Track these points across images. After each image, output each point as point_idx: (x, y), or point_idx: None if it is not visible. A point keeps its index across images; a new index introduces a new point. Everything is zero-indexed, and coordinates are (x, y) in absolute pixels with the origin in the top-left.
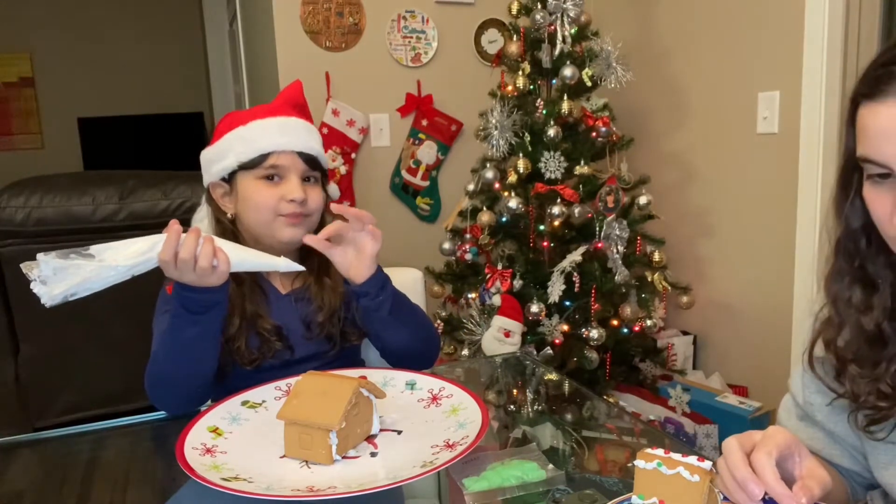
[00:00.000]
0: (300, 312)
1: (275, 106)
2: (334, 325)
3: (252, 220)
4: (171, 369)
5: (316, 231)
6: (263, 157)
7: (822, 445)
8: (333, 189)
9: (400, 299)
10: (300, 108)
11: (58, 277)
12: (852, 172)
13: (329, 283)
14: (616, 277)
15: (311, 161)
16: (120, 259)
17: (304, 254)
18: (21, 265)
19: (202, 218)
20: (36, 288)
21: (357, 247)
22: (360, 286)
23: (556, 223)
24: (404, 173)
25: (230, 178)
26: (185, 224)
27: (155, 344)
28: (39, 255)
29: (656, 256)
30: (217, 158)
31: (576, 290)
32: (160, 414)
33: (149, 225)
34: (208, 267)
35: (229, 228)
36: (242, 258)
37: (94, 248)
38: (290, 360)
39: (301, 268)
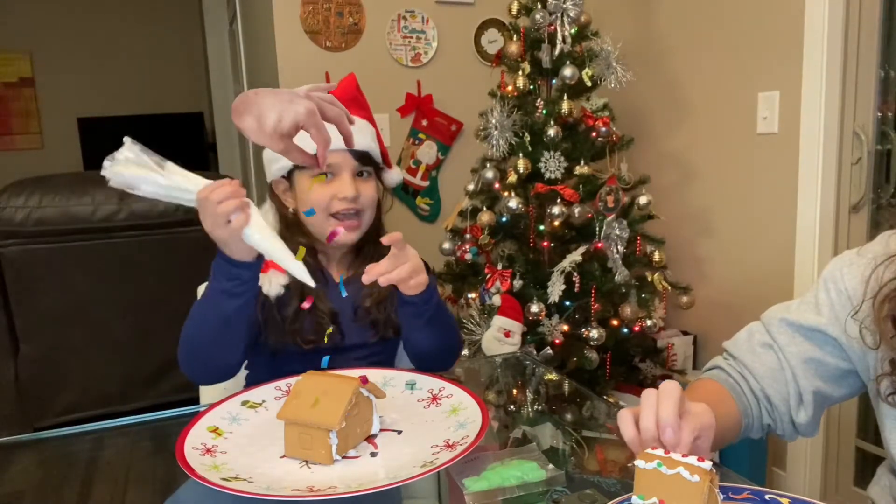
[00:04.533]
0: (351, 298)
1: None
2: (381, 313)
3: (307, 219)
4: (195, 335)
5: (371, 229)
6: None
7: (767, 370)
8: (396, 173)
9: (440, 311)
10: (354, 102)
11: (127, 165)
12: None
13: None
14: (616, 277)
15: (363, 157)
16: (176, 181)
17: (360, 242)
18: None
19: (266, 211)
20: (105, 163)
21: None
22: (406, 296)
23: (556, 223)
24: (404, 173)
25: (289, 176)
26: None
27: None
28: (127, 139)
29: (656, 256)
30: (275, 158)
31: (576, 290)
32: (160, 414)
33: (149, 225)
34: (223, 214)
35: (293, 222)
36: (264, 241)
37: (168, 164)
38: (338, 346)
39: (311, 282)
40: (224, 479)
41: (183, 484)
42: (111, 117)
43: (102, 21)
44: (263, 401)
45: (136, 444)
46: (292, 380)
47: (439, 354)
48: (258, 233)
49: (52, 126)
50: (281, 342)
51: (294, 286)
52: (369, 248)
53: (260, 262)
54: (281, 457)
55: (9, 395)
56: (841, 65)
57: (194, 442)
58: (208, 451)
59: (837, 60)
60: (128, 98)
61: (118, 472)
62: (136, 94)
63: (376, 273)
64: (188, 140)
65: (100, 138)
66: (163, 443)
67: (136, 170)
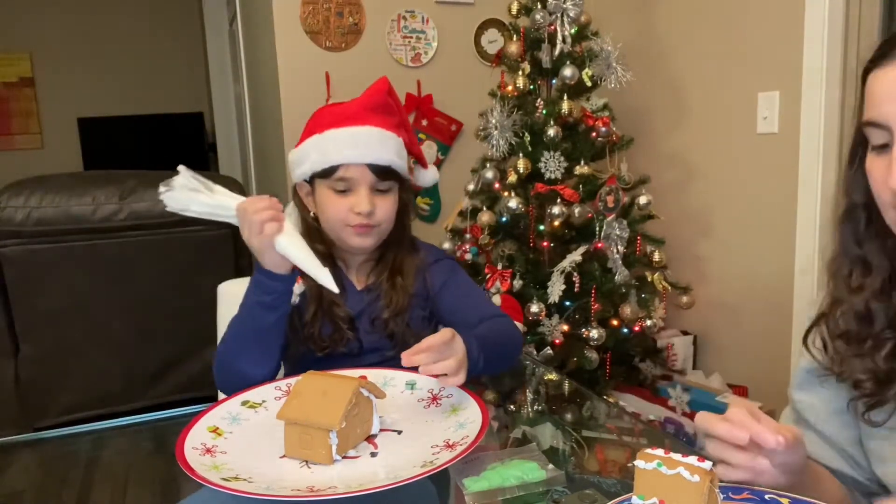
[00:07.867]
0: (369, 308)
1: (352, 112)
2: (398, 325)
3: (325, 226)
4: (230, 347)
5: (393, 237)
6: (333, 169)
7: (815, 448)
8: (431, 173)
9: (488, 356)
10: (381, 109)
11: (182, 190)
12: (857, 147)
13: (400, 283)
14: (616, 277)
15: (382, 171)
16: (220, 199)
17: (381, 251)
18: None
19: (289, 213)
20: (161, 188)
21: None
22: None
23: (556, 223)
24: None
25: (311, 181)
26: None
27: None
28: (181, 167)
29: (656, 256)
30: (298, 162)
31: (576, 290)
32: (160, 414)
33: (149, 225)
34: (257, 222)
35: (314, 226)
36: (293, 248)
37: (215, 187)
38: (354, 353)
39: (335, 289)
40: (224, 479)
41: (185, 485)
42: (111, 117)
43: (102, 21)
44: (263, 401)
45: (136, 444)
46: (292, 380)
47: (498, 368)
48: (288, 241)
49: (52, 126)
50: (298, 350)
51: (311, 293)
52: (389, 255)
53: (293, 278)
54: (281, 457)
55: (9, 395)
56: (841, 65)
57: (194, 442)
58: (208, 451)
59: (837, 60)
60: (128, 98)
61: (118, 472)
62: (136, 94)
63: (416, 362)
64: (188, 140)
65: (100, 138)
66: (163, 443)
67: (188, 193)
